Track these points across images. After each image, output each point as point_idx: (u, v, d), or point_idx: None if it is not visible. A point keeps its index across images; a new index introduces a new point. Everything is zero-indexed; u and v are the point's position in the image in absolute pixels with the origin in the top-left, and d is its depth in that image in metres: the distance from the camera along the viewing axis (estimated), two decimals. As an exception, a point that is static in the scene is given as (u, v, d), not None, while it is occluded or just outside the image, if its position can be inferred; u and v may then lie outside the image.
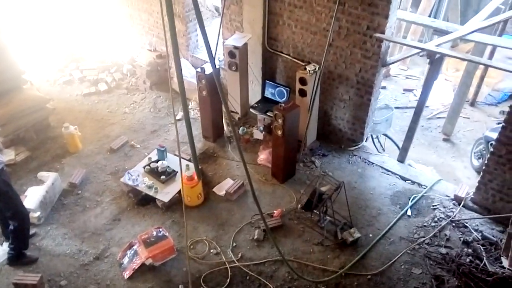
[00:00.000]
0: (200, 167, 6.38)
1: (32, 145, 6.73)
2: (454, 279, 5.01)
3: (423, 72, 10.07)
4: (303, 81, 6.10)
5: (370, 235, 5.54)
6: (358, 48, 5.92)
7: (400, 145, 6.90)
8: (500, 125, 6.86)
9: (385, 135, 7.33)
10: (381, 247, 5.40)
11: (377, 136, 7.28)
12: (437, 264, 5.18)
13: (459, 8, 9.47)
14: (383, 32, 5.59)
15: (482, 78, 8.69)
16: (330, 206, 5.50)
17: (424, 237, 5.49)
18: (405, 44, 6.10)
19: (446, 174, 7.35)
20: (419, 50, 5.71)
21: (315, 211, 5.61)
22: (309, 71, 6.01)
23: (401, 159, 6.69)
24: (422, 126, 8.82)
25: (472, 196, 5.93)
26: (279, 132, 5.78)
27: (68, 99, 7.98)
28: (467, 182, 6.80)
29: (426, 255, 5.28)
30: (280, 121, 5.67)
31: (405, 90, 9.74)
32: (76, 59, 8.79)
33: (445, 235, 5.51)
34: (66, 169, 6.48)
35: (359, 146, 6.80)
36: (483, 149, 7.33)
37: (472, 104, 9.19)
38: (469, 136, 8.49)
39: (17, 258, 5.13)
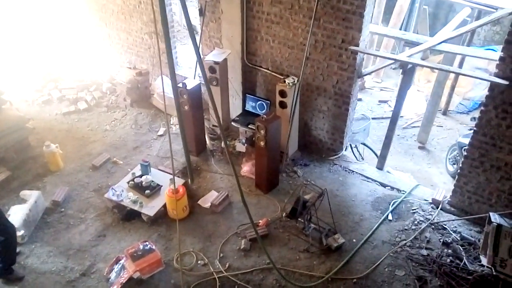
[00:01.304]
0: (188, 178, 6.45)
1: (13, 165, 6.66)
2: (436, 279, 5.18)
3: (396, 84, 10.43)
4: (282, 94, 6.28)
5: (354, 240, 5.67)
6: (334, 60, 6.15)
7: (378, 153, 7.12)
8: (472, 131, 7.24)
9: (364, 144, 7.55)
10: (365, 251, 5.54)
11: (355, 146, 7.49)
12: (419, 266, 5.35)
13: (427, 22, 9.91)
14: (357, 45, 5.83)
15: (452, 87, 9.08)
16: (314, 214, 5.63)
17: (405, 240, 5.66)
18: (378, 56, 6.37)
19: (423, 180, 7.59)
20: (392, 61, 5.97)
21: (299, 219, 5.72)
22: (288, 83, 6.20)
23: (380, 167, 6.89)
24: (398, 135, 9.11)
25: (449, 199, 6.16)
26: (262, 143, 5.91)
27: (48, 118, 7.94)
28: (443, 187, 7.04)
29: (408, 257, 5.44)
30: (262, 132, 5.81)
31: (380, 101, 10.06)
32: (54, 79, 8.77)
33: (426, 237, 5.70)
34: (48, 188, 6.43)
35: (339, 155, 6.98)
36: (457, 154, 7.62)
37: (445, 113, 9.55)
38: (443, 144, 8.82)
39: (5, 272, 5.08)
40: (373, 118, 8.87)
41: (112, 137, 7.52)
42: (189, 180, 5.19)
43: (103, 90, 8.60)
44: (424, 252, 5.51)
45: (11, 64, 8.72)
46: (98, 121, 7.92)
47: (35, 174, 6.67)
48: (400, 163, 8.12)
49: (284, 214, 5.94)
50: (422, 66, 5.58)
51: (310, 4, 5.94)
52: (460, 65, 8.28)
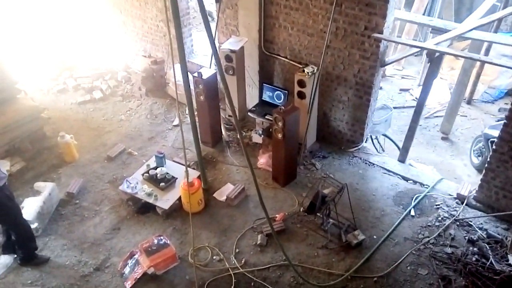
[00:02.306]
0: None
1: (28, 156, 6.60)
2: (461, 278, 4.96)
3: (418, 72, 10.09)
4: (301, 83, 6.04)
5: (375, 237, 5.48)
6: (356, 48, 5.88)
7: (400, 145, 6.87)
8: (500, 122, 6.91)
9: (385, 135, 7.29)
10: (386, 248, 5.34)
11: (376, 137, 7.24)
12: (443, 264, 5.13)
13: (453, 7, 9.49)
14: (381, 32, 5.55)
15: (478, 76, 8.69)
16: (333, 209, 5.45)
17: (428, 237, 5.44)
18: (405, 44, 6.07)
19: (446, 172, 7.32)
20: (418, 50, 5.68)
21: (318, 214, 5.55)
22: (307, 73, 5.96)
23: (402, 159, 6.64)
24: (420, 125, 8.75)
25: (475, 194, 5.90)
26: (279, 135, 5.72)
27: (63, 108, 7.86)
28: (467, 180, 6.78)
29: (432, 255, 5.23)
30: (280, 124, 5.61)
31: (401, 90, 9.72)
32: (69, 67, 8.68)
33: (450, 234, 5.47)
34: (63, 179, 6.37)
35: (359, 147, 6.75)
36: (483, 146, 7.31)
37: (469, 102, 9.19)
38: (467, 134, 8.49)
39: (29, 259, 5.14)
40: (394, 108, 8.59)
41: (127, 127, 7.41)
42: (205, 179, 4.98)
43: (118, 79, 8.48)
44: (449, 250, 5.28)
45: (25, 52, 8.64)
46: (113, 110, 7.81)
47: (50, 165, 6.61)
48: (422, 155, 7.84)
49: (302, 209, 5.76)
50: (451, 54, 5.27)
51: (332, -11, 5.67)
52: (487, 52, 7.90)
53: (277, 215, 5.71)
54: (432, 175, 6.55)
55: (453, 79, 9.47)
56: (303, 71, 6.02)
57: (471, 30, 5.28)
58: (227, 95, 3.26)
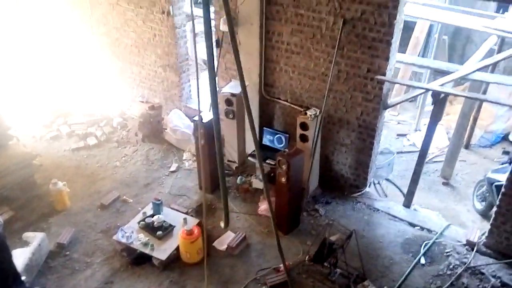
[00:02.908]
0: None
1: (17, 204, 6.28)
2: (481, 331, 4.64)
3: (414, 117, 10.11)
4: (304, 126, 5.93)
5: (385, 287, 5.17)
6: (358, 91, 5.83)
7: (402, 190, 6.70)
8: (504, 166, 6.81)
9: (388, 180, 7.12)
10: (399, 300, 5.04)
11: (378, 182, 7.07)
12: (460, 316, 4.82)
13: (446, 53, 9.64)
14: (384, 74, 5.53)
15: (475, 120, 8.68)
16: (340, 257, 5.17)
17: (441, 286, 5.16)
18: (410, 85, 6.02)
19: (451, 218, 7.09)
20: (423, 91, 5.64)
21: (325, 263, 5.26)
22: (310, 115, 5.87)
23: (407, 204, 6.45)
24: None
25: (485, 240, 5.68)
26: (283, 180, 5.52)
27: (56, 154, 7.62)
28: (473, 226, 6.58)
29: (447, 306, 4.93)
30: (284, 167, 5.42)
31: (398, 135, 9.67)
32: (63, 114, 8.52)
33: (463, 283, 5.20)
34: (53, 229, 6.03)
35: (362, 192, 6.56)
36: (486, 191, 7.16)
37: (467, 147, 9.12)
38: (468, 179, 8.36)
39: None
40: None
41: (122, 174, 7.16)
42: (222, 223, 4.65)
43: (113, 125, 8.31)
44: (464, 300, 5.00)
45: (18, 98, 8.50)
46: (108, 157, 7.59)
47: (40, 214, 6.28)
48: (425, 200, 7.63)
49: (307, 258, 5.47)
50: (456, 95, 5.23)
51: (333, 33, 5.68)
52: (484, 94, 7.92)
53: (280, 265, 5.39)
54: (438, 221, 6.34)
55: (449, 124, 9.49)
56: (306, 113, 5.93)
57: (474, 71, 5.26)
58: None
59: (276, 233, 3.82)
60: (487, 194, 7.12)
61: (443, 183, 8.19)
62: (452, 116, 9.72)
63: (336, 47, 5.63)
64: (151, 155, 7.55)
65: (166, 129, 7.94)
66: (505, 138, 9.34)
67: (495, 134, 9.30)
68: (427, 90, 5.33)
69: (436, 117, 5.54)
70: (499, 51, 7.01)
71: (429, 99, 10.00)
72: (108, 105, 8.73)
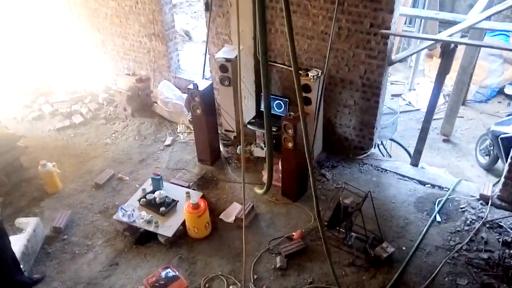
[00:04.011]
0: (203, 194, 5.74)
1: (5, 190, 5.88)
2: (505, 285, 4.52)
3: (406, 77, 9.93)
4: (306, 88, 5.61)
5: (403, 248, 5.00)
6: (361, 48, 5.52)
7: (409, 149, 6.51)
8: (509, 117, 6.67)
9: (392, 139, 6.92)
10: (419, 260, 4.87)
11: (381, 142, 6.86)
12: (482, 271, 4.69)
13: (438, 7, 9.35)
14: (388, 28, 5.22)
15: (470, 76, 8.51)
16: (354, 221, 4.96)
17: (460, 243, 5.01)
18: (417, 37, 5.73)
19: (456, 175, 6.94)
20: (430, 43, 5.36)
21: (339, 228, 5.05)
22: (313, 76, 5.55)
23: (415, 163, 6.27)
24: (419, 129, 8.48)
25: (499, 193, 5.55)
26: (290, 145, 5.23)
27: (40, 135, 7.15)
28: (481, 180, 6.46)
29: (468, 262, 4.79)
30: (290, 131, 5.13)
31: (393, 95, 9.47)
32: (44, 93, 7.99)
33: (482, 238, 5.05)
34: (46, 213, 5.65)
35: (368, 153, 6.34)
36: (490, 145, 7.04)
37: (463, 103, 8.97)
38: (468, 135, 8.25)
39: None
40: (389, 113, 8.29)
41: (114, 151, 6.77)
42: (263, 190, 4.06)
43: (99, 101, 7.84)
44: (484, 255, 4.85)
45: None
46: (96, 134, 7.16)
47: (30, 199, 5.88)
48: (427, 159, 7.47)
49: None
50: (467, 44, 4.98)
51: (332, -13, 5.32)
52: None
53: (293, 233, 5.18)
54: (448, 177, 6.18)
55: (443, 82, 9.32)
56: (307, 75, 5.60)
57: (481, 20, 5.00)
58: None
59: (324, 241, 3.56)
60: (491, 148, 7.01)
61: (444, 140, 8.06)
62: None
63: (337, 2, 5.28)
64: (142, 129, 7.15)
65: (155, 102, 7.53)
66: (500, 92, 9.24)
67: (490, 88, 9.17)
68: (437, 41, 5.04)
69: (444, 69, 5.29)
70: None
71: (422, 57, 9.89)
72: (91, 80, 8.25)
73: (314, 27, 5.73)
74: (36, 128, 7.31)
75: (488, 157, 7.17)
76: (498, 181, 6.65)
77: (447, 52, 5.04)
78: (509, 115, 6.71)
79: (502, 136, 6.48)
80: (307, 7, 5.64)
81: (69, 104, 7.76)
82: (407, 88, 9.65)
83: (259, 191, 4.27)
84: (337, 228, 5.04)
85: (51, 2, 8.08)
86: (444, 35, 5.02)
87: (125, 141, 6.96)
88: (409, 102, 9.20)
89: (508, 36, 9.20)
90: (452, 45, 4.94)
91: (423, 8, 9.07)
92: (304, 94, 5.66)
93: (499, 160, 6.89)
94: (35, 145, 6.83)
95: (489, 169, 7.21)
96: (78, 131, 7.26)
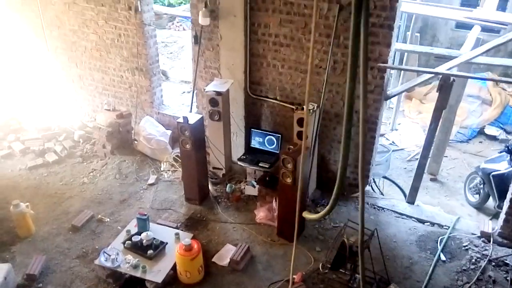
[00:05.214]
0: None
1: (-31, 234, 5.28)
2: (520, 327, 4.27)
3: (387, 118, 9.98)
4: (302, 122, 5.40)
5: (411, 290, 4.71)
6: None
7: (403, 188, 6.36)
8: (500, 154, 6.68)
9: (385, 177, 6.77)
10: (428, 302, 4.58)
11: (373, 180, 6.69)
12: (495, 312, 4.44)
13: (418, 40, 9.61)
14: (385, 62, 5.16)
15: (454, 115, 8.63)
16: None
17: (468, 282, 4.78)
18: (416, 71, 5.70)
19: (448, 214, 6.85)
20: (427, 77, 5.33)
21: (341, 270, 4.72)
22: (309, 110, 5.36)
23: (411, 201, 6.09)
24: (405, 168, 8.48)
25: (500, 230, 5.39)
26: (288, 180, 4.95)
27: (10, 174, 6.58)
28: (470, 220, 6.36)
29: (479, 303, 4.54)
30: (289, 166, 4.86)
31: (376, 135, 9.45)
32: (14, 130, 7.48)
33: (490, 276, 4.84)
34: (18, 259, 5.05)
35: (362, 191, 6.10)
36: (480, 183, 7.00)
37: (445, 143, 9.06)
38: (454, 174, 8.26)
39: None
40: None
41: (92, 191, 6.27)
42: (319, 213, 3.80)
43: (75, 139, 7.38)
44: (494, 295, 4.63)
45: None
46: (72, 173, 6.65)
47: (-1, 243, 5.29)
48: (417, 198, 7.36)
49: (321, 265, 4.90)
50: (467, 77, 4.97)
51: (327, 21, 5.26)
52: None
53: (294, 276, 4.79)
54: (446, 215, 6.02)
55: (424, 121, 9.43)
56: (303, 108, 5.42)
57: (478, 55, 5.03)
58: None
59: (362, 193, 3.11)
60: (481, 186, 6.96)
61: (431, 179, 8.01)
62: (425, 115, 9.71)
63: (333, 36, 5.22)
64: (123, 168, 6.70)
65: (136, 140, 7.14)
66: (480, 132, 9.41)
67: (471, 128, 9.34)
68: (436, 74, 5.00)
69: (441, 104, 5.23)
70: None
71: (402, 99, 10.02)
72: (66, 117, 7.80)
73: (308, 61, 5.60)
74: (5, 167, 6.74)
75: (478, 195, 7.12)
76: (491, 219, 6.59)
77: (445, 86, 5.00)
78: (501, 152, 6.69)
79: (494, 173, 6.46)
80: (301, 41, 5.55)
81: (42, 142, 7.26)
82: (389, 128, 9.69)
83: (312, 215, 3.82)
84: (344, 269, 4.70)
85: (25, 34, 7.72)
86: (443, 69, 4.99)
87: (104, 180, 6.48)
88: (393, 142, 9.19)
89: (485, 81, 9.51)
90: (451, 79, 4.91)
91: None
92: (299, 129, 5.48)
93: (490, 198, 6.84)
94: (4, 185, 6.27)
95: (480, 207, 7.14)
96: (52, 170, 6.73)
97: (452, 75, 4.81)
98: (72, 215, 5.78)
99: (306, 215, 4.31)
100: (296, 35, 5.55)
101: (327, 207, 3.42)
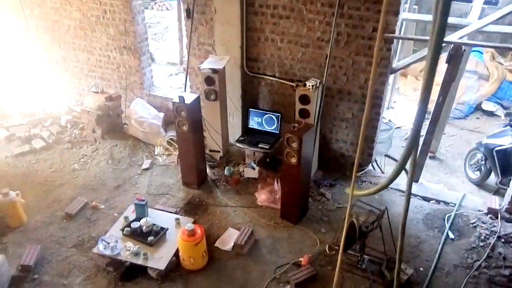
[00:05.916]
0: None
1: (-44, 226, 4.98)
2: (533, 302, 4.18)
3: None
4: (305, 100, 5.18)
5: (421, 269, 4.58)
6: (362, 55, 5.20)
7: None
8: (502, 129, 6.55)
9: (387, 155, 6.60)
10: (439, 281, 4.47)
11: (374, 158, 6.52)
12: (507, 289, 4.34)
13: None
14: (393, 32, 4.93)
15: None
16: (368, 242, 4.50)
17: (478, 260, 4.66)
18: (424, 40, 5.44)
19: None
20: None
21: (348, 251, 4.56)
22: (311, 86, 5.13)
23: (415, 179, 5.93)
24: (402, 146, 8.32)
25: (507, 206, 5.28)
26: (293, 160, 4.73)
27: (-5, 163, 6.27)
28: (471, 197, 6.26)
29: (491, 280, 4.44)
30: (294, 145, 4.64)
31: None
32: (-3, 116, 7.13)
33: (500, 253, 4.73)
34: (11, 250, 4.79)
35: (365, 170, 5.96)
36: (481, 159, 6.88)
37: (441, 119, 8.93)
38: (453, 151, 8.11)
39: None
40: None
41: (84, 177, 5.99)
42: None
43: (62, 124, 7.05)
44: (506, 271, 4.52)
45: None
46: (62, 160, 6.35)
47: (-11, 234, 5.00)
48: (418, 176, 7.25)
49: (327, 247, 4.74)
50: (480, 45, 4.78)
51: (330, -11, 5.00)
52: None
53: (300, 259, 4.62)
54: (451, 193, 5.89)
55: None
56: (305, 84, 5.19)
57: (487, 24, 4.84)
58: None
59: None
60: (482, 163, 6.84)
61: (430, 157, 7.85)
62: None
63: (337, 5, 4.95)
64: (115, 153, 6.42)
65: (126, 123, 6.84)
66: (477, 108, 9.28)
67: (468, 104, 9.19)
68: (447, 43, 4.77)
69: (451, 75, 5.02)
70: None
71: (396, 76, 9.83)
72: (51, 101, 7.44)
73: (309, 34, 5.36)
74: (-10, 155, 6.41)
75: (479, 172, 6.99)
76: (493, 195, 6.48)
77: (455, 56, 4.79)
78: (505, 126, 6.56)
79: (497, 148, 6.33)
80: (301, 12, 5.28)
81: (27, 128, 6.92)
82: (384, 107, 9.51)
83: (361, 191, 3.12)
84: (349, 250, 4.54)
85: (3, 15, 7.30)
86: (455, 37, 4.76)
87: (96, 166, 6.20)
88: (389, 120, 9.00)
89: (482, 53, 9.35)
90: (463, 49, 4.70)
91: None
92: (301, 106, 5.26)
93: (491, 175, 6.73)
94: (-10, 173, 5.95)
95: (481, 184, 7.03)
96: (40, 157, 6.42)
97: (462, 43, 4.61)
98: (64, 203, 5.51)
99: (357, 192, 3.55)
100: (296, 5, 5.27)
101: (384, 181, 2.63)
